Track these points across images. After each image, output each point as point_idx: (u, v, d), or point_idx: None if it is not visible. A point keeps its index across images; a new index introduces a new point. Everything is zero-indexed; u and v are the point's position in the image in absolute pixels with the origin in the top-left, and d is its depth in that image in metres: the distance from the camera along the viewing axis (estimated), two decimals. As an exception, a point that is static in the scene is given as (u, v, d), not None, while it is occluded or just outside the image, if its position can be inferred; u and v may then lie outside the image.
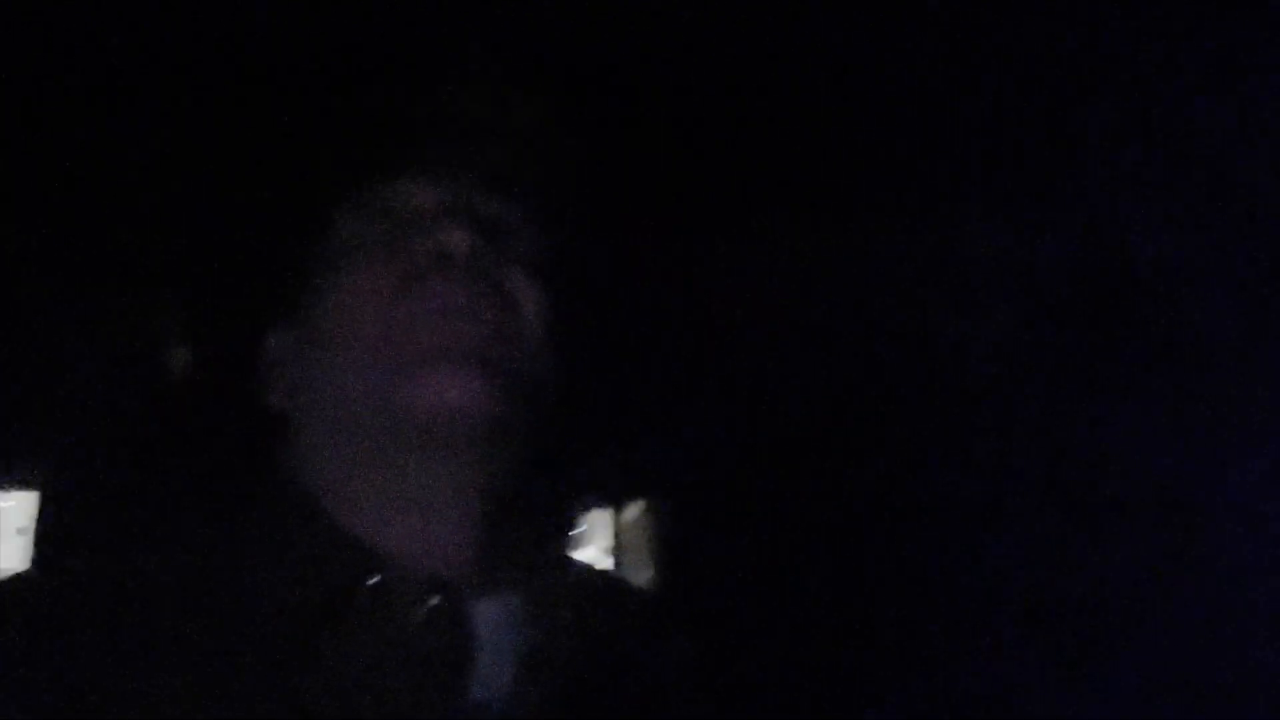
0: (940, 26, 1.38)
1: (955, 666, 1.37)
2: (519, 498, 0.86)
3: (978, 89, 1.50)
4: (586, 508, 0.89)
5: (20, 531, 1.31)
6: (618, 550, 0.96)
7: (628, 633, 0.91)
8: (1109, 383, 1.52)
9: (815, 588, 1.30)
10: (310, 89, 0.88)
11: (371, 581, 0.81)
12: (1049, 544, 1.48)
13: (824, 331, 1.48)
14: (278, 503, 0.86)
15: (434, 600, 0.81)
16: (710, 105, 1.28)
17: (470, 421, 0.81)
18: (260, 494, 0.87)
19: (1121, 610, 1.42)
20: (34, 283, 1.00)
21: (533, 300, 0.87)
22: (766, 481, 1.32)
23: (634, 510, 1.00)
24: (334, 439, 0.84)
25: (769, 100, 1.30)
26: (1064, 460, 1.49)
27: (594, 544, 0.94)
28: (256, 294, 0.90)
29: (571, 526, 0.91)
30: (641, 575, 0.97)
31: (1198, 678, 1.34)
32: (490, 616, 0.83)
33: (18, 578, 0.85)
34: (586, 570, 0.94)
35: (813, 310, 1.47)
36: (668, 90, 1.23)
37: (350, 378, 0.83)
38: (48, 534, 0.79)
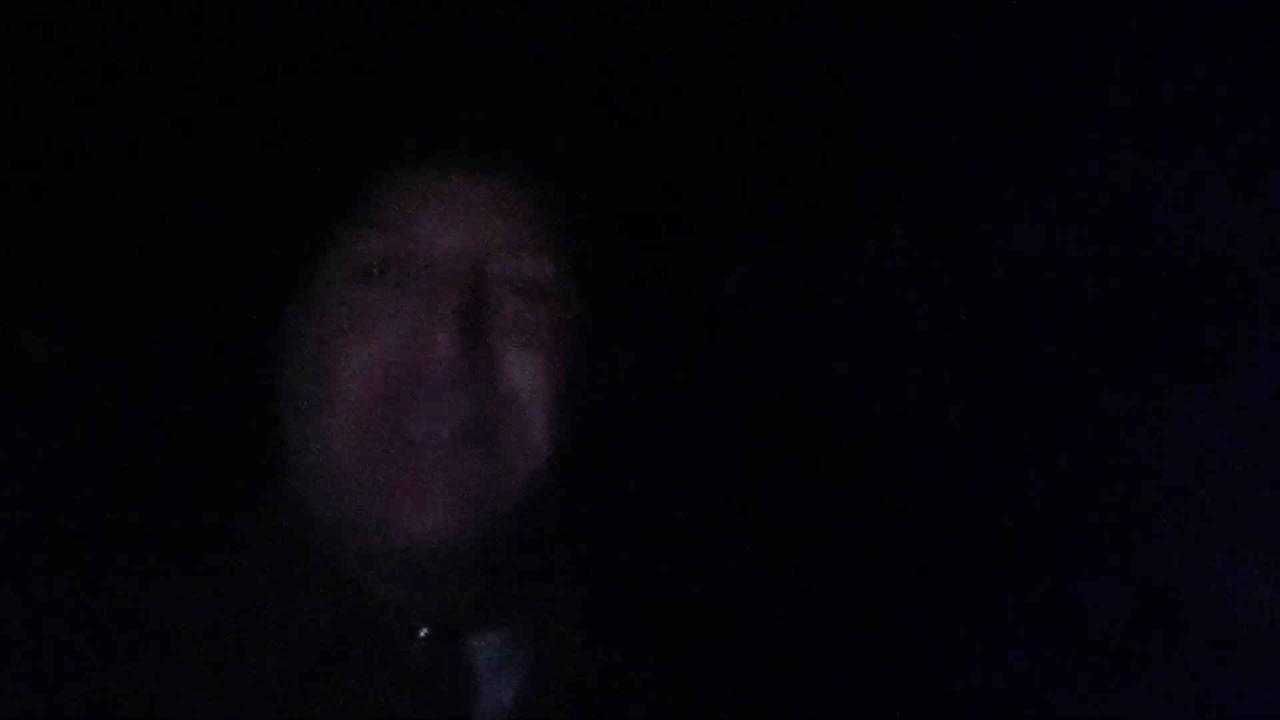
0: (939, 24, 1.35)
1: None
2: (515, 531, 0.84)
3: (982, 85, 1.48)
4: (583, 538, 0.88)
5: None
6: (614, 578, 0.95)
7: (626, 665, 0.89)
8: (1142, 381, 1.50)
9: (821, 601, 1.30)
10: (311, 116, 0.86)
11: (423, 634, 0.81)
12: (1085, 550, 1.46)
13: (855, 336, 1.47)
14: (274, 539, 0.85)
15: (424, 632, 0.81)
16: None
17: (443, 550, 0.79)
18: (257, 529, 0.86)
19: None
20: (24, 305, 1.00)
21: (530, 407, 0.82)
22: (769, 498, 1.31)
23: (630, 537, 0.99)
24: (331, 472, 0.82)
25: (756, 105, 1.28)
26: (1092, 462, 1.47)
27: (591, 574, 0.92)
28: (253, 325, 0.88)
29: (568, 556, 0.90)
30: (638, 602, 0.96)
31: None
32: (488, 647, 0.83)
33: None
34: (583, 600, 0.91)
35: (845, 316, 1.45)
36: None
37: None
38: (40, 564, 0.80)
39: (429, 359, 0.79)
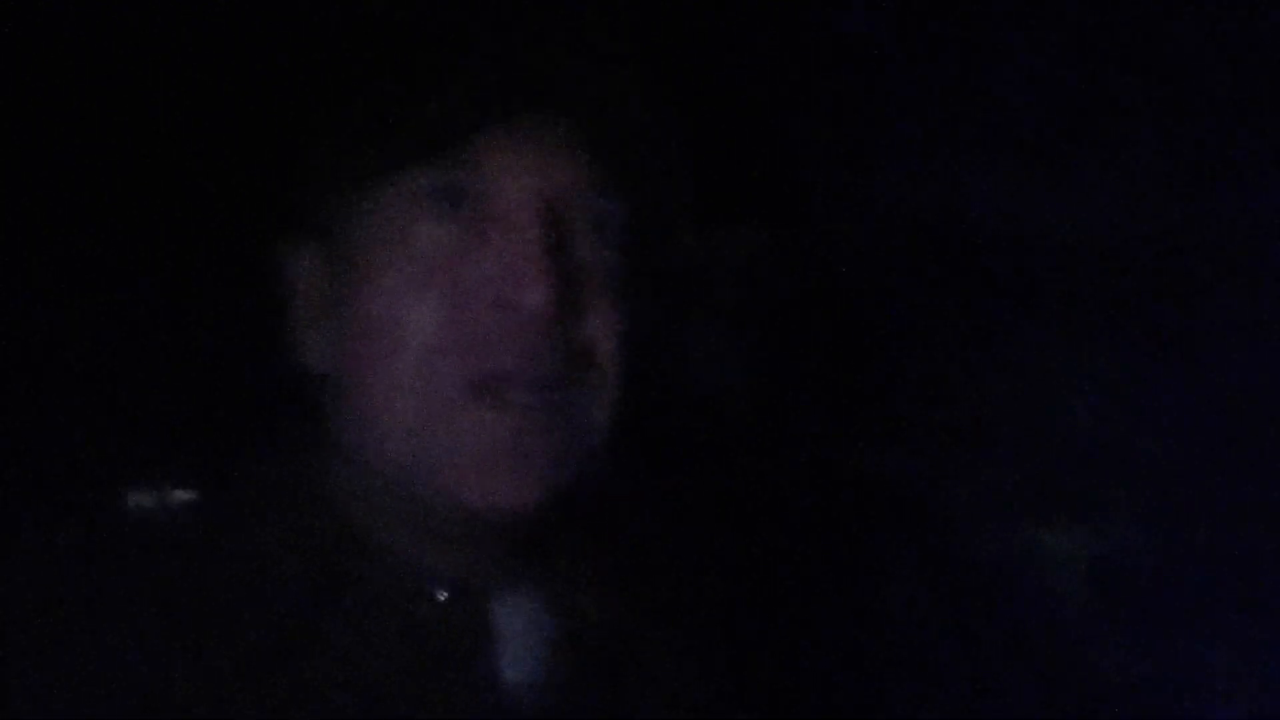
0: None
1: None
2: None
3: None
4: (605, 500, 0.85)
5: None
6: (642, 547, 0.93)
7: (651, 634, 0.87)
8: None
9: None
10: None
11: (441, 597, 0.77)
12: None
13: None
14: (285, 487, 0.80)
15: (442, 595, 0.77)
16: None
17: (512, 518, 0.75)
18: (269, 477, 0.81)
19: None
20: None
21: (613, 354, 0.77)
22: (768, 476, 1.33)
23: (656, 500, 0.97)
24: (390, 429, 0.75)
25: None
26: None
27: (618, 543, 0.91)
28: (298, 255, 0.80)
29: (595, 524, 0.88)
30: (666, 571, 0.95)
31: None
32: (510, 612, 0.80)
33: None
34: (609, 569, 0.88)
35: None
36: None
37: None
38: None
39: (516, 302, 0.71)
